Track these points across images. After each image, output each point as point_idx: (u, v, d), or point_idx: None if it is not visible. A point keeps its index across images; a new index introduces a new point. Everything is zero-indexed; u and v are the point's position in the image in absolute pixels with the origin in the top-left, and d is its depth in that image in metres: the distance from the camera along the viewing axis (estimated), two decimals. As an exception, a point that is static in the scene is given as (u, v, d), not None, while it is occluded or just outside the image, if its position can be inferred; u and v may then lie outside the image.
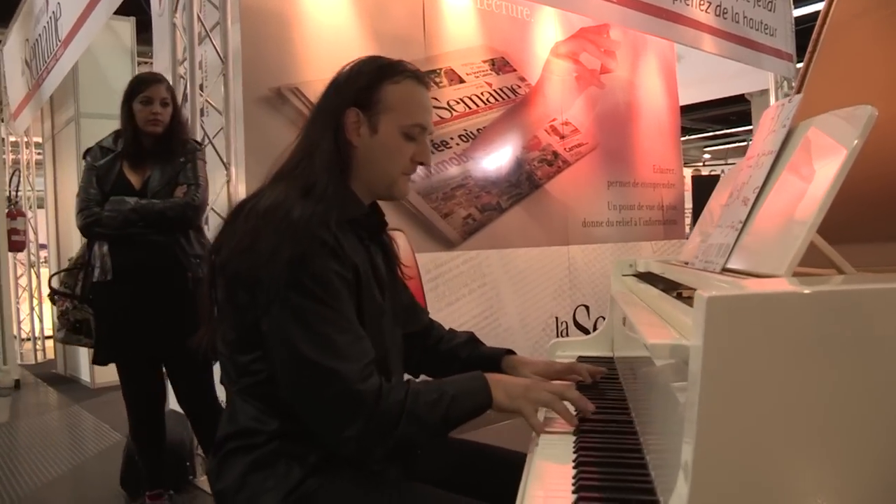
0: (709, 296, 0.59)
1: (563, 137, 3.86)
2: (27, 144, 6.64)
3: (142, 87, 2.50)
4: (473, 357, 1.48)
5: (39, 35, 5.01)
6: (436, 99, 3.33)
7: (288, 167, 1.26)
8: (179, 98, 2.88)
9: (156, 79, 2.53)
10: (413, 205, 3.25)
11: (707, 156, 16.04)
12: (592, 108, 4.03)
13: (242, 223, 1.15)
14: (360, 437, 1.09)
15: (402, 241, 3.19)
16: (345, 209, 1.21)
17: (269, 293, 1.10)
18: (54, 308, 2.67)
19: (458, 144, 3.41)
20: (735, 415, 0.59)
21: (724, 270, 1.03)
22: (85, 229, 2.52)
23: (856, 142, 0.82)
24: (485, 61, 3.57)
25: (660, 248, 4.42)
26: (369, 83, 1.25)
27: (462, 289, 3.45)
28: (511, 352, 1.48)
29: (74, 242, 4.92)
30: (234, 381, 1.20)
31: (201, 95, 2.93)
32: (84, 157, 2.58)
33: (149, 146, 2.51)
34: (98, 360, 2.58)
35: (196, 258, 2.49)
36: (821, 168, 0.91)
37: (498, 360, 1.46)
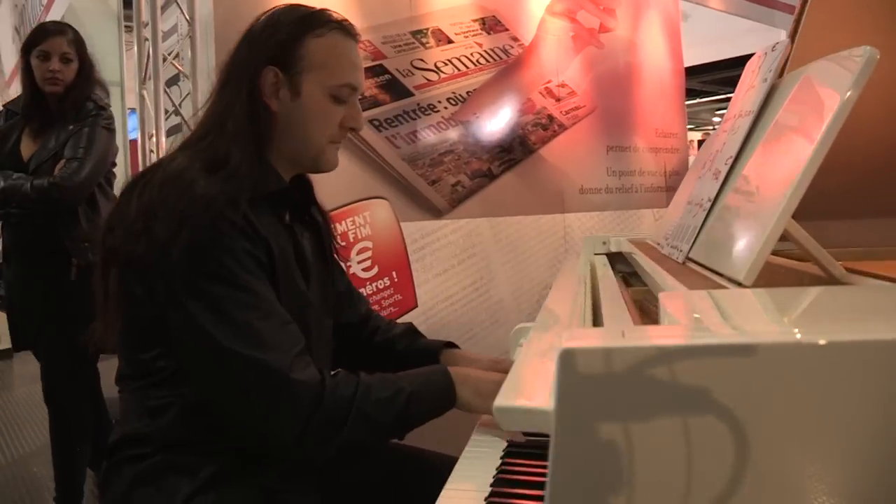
0: (562, 348, 0.48)
1: (558, 100, 3.70)
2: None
3: (39, 39, 2.18)
4: (410, 350, 1.35)
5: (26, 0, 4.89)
6: (422, 60, 3.18)
7: (195, 136, 1.11)
8: (142, 67, 2.70)
9: (57, 30, 2.22)
10: (398, 171, 3.11)
11: (718, 119, 15.75)
12: (590, 70, 3.85)
13: (136, 201, 1.01)
14: (300, 438, 0.95)
15: (385, 211, 3.08)
16: (259, 184, 1.06)
17: (169, 284, 0.96)
18: None
19: (445, 108, 3.26)
20: (588, 481, 0.48)
21: (688, 260, 0.89)
22: None
23: (849, 92, 0.66)
24: (475, 20, 3.40)
25: (662, 215, 4.26)
26: (289, 37, 1.11)
27: (451, 259, 3.32)
28: (452, 344, 1.34)
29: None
30: (130, 380, 1.06)
31: (166, 60, 2.78)
32: None
33: (54, 108, 2.22)
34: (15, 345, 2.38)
35: (86, 242, 2.21)
36: (805, 131, 0.76)
37: (436, 353, 1.32)
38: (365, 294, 3.02)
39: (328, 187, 2.94)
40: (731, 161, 0.86)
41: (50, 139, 2.22)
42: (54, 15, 3.86)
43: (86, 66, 2.30)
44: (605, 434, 0.47)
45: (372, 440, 0.99)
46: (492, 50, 3.44)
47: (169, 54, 2.79)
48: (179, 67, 2.77)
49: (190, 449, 1.02)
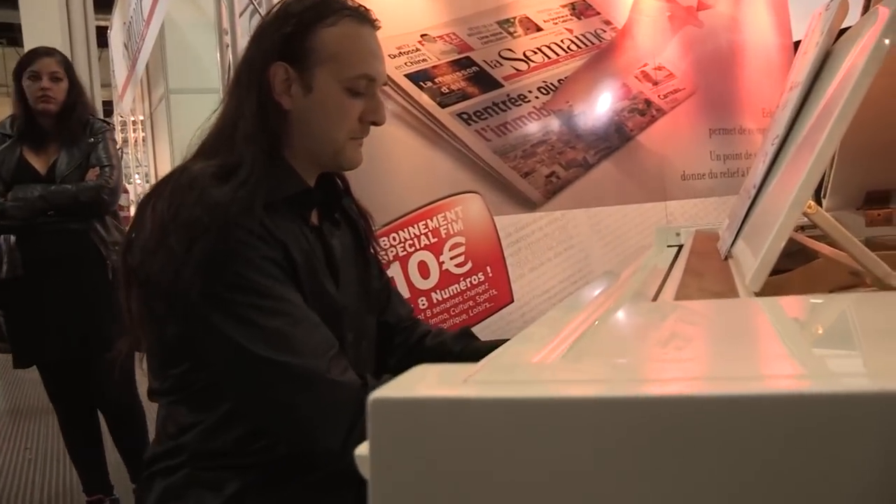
0: (372, 397, 0.42)
1: (656, 84, 3.54)
2: (133, 123, 6.85)
3: (29, 61, 2.29)
4: (467, 352, 1.26)
5: (132, 17, 5.10)
6: (510, 50, 3.11)
7: (208, 142, 1.07)
8: (224, 72, 2.75)
9: (45, 52, 2.33)
10: (489, 164, 3.05)
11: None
12: (689, 50, 3.67)
13: (150, 215, 0.98)
14: (346, 445, 0.90)
15: (477, 205, 3.03)
16: (276, 187, 1.01)
17: (188, 299, 0.92)
18: None
19: (536, 98, 3.17)
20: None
21: (729, 257, 0.80)
22: None
23: (887, 41, 0.55)
24: (564, 6, 3.30)
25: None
26: (297, 29, 1.04)
27: (547, 252, 3.24)
28: None
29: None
30: (161, 396, 1.05)
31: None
32: None
33: (48, 127, 2.32)
34: (18, 363, 2.38)
35: (115, 245, 2.28)
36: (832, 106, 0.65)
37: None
38: (458, 290, 2.98)
39: (418, 184, 2.92)
40: (777, 142, 0.75)
41: (62, 153, 2.31)
42: (154, 26, 4.01)
43: (75, 86, 2.39)
44: (420, 495, 0.40)
45: None
46: (583, 35, 3.33)
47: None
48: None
49: (216, 464, 1.00)
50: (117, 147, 2.45)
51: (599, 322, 0.57)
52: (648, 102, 3.51)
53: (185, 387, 1.00)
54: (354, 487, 0.94)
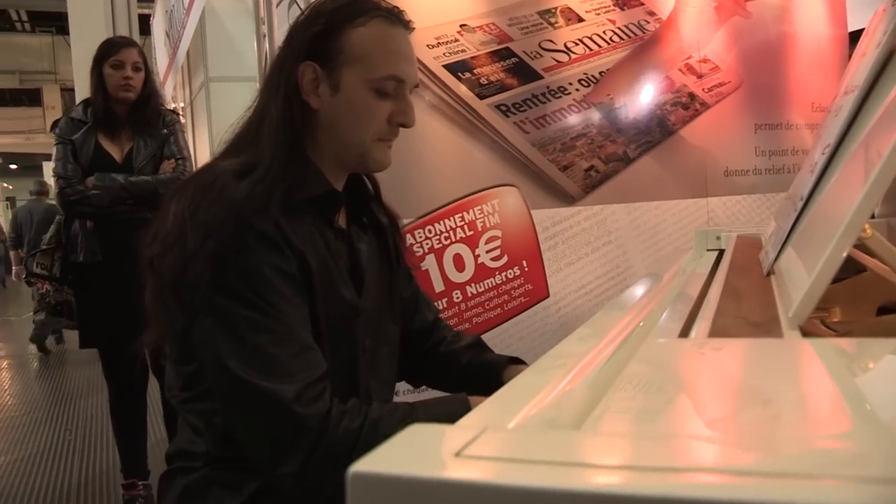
0: (353, 471, 0.40)
1: (700, 77, 3.46)
2: (174, 111, 6.91)
3: (112, 50, 2.38)
4: (474, 364, 1.25)
5: (173, 5, 5.14)
6: (551, 41, 3.05)
7: (236, 137, 1.07)
8: (261, 61, 2.77)
9: (128, 42, 2.42)
10: (527, 157, 3.01)
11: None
12: (736, 42, 3.58)
13: (174, 209, 0.98)
14: (301, 472, 0.90)
15: (514, 198, 2.98)
16: (298, 188, 1.00)
17: (192, 296, 0.92)
18: (34, 291, 2.59)
19: (577, 90, 3.11)
20: None
21: (771, 273, 0.74)
22: (68, 208, 2.37)
23: None
24: (607, -4, 3.23)
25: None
26: (326, 29, 1.02)
27: (584, 247, 3.18)
28: (517, 360, 1.23)
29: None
30: (176, 391, 1.04)
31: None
32: (52, 131, 2.44)
33: (122, 115, 2.40)
34: (85, 343, 2.48)
35: None
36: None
37: (500, 370, 1.22)
38: (494, 284, 2.94)
39: (455, 176, 2.89)
40: (828, 150, 0.69)
41: (138, 143, 2.39)
42: (194, 15, 4.02)
43: (150, 76, 2.50)
44: None
45: None
46: (626, 27, 3.25)
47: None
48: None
49: (234, 464, 0.99)
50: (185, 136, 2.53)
51: (616, 365, 0.52)
52: (692, 96, 3.43)
53: (195, 385, 1.00)
54: None
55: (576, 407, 0.47)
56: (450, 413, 0.95)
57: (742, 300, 0.66)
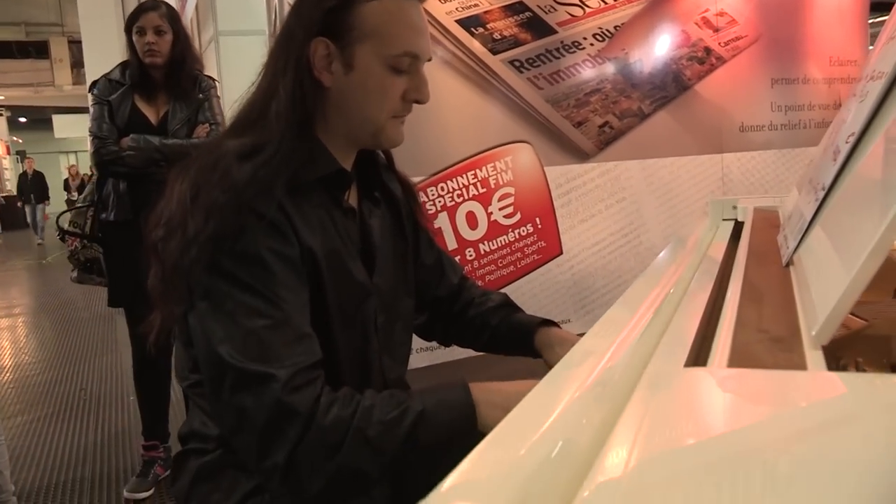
0: None
1: (717, 31, 3.40)
2: (211, 78, 6.83)
3: (136, 17, 2.38)
4: (504, 325, 1.23)
5: (181, -45, 5.06)
6: (566, -6, 2.99)
7: (241, 115, 1.03)
8: (271, 14, 2.74)
9: (150, 6, 2.40)
10: (541, 113, 2.98)
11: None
12: (754, -6, 3.50)
13: (177, 191, 0.96)
14: (288, 463, 0.86)
15: (528, 155, 2.96)
16: (306, 168, 0.98)
17: (188, 277, 0.91)
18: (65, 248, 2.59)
19: (591, 45, 3.07)
20: None
21: (791, 264, 0.72)
22: (102, 167, 2.40)
23: None
24: (623, -53, 3.16)
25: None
26: (339, 4, 0.99)
27: (598, 204, 3.17)
28: (549, 322, 1.21)
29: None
30: (183, 377, 1.04)
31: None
32: (91, 91, 2.46)
33: (158, 78, 2.42)
34: (113, 302, 2.50)
35: None
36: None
37: (532, 332, 1.19)
38: (507, 241, 2.94)
39: (468, 133, 2.87)
40: (853, 139, 0.65)
41: (175, 106, 2.40)
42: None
43: (181, 38, 2.46)
44: None
45: (375, 466, 0.88)
46: (643, -21, 3.19)
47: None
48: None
49: None
50: (220, 101, 2.53)
51: (616, 404, 0.47)
52: (708, 50, 3.38)
53: (198, 369, 0.98)
54: (388, 479, 0.92)
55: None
56: (447, 401, 0.93)
57: (762, 304, 0.64)
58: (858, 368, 0.56)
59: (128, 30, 2.41)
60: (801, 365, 0.49)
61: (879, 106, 0.61)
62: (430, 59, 1.05)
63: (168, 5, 2.49)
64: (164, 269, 0.96)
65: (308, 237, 0.97)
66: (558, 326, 1.21)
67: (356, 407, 0.89)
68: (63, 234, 2.54)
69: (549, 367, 1.14)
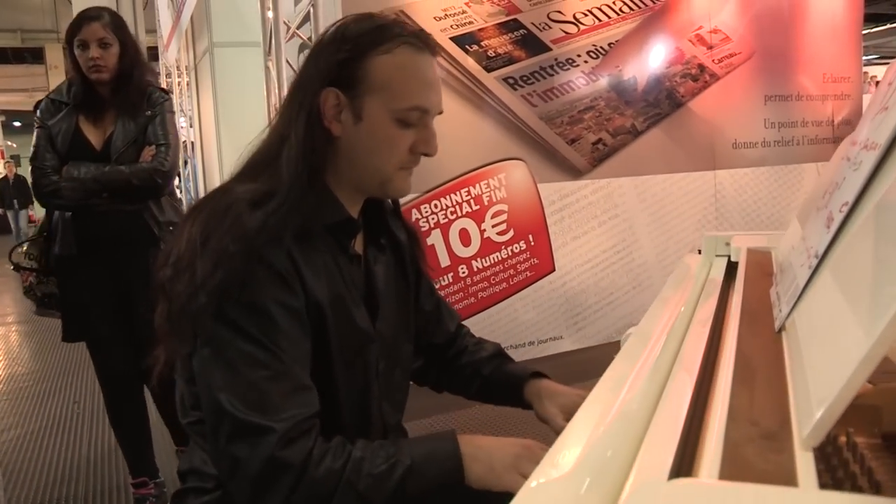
0: None
1: (710, 48, 3.41)
2: (178, 70, 6.84)
3: (75, 28, 2.14)
4: (496, 377, 1.23)
5: (177, -34, 5.06)
6: (560, 12, 3.00)
7: (254, 160, 1.03)
8: (265, 27, 2.69)
9: (91, 16, 2.17)
10: (534, 131, 2.98)
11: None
12: (747, 11, 3.52)
13: (187, 234, 0.95)
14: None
15: (521, 172, 2.96)
16: (314, 216, 0.98)
17: (195, 323, 0.91)
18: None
19: (585, 62, 3.08)
20: None
21: (783, 330, 0.71)
22: (43, 199, 2.20)
23: None
24: (617, -35, 3.17)
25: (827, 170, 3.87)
26: (351, 55, 0.99)
27: (591, 221, 3.18)
28: (540, 374, 1.22)
29: (213, 167, 5.01)
30: (184, 413, 1.03)
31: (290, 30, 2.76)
32: (34, 111, 2.25)
33: (105, 95, 2.19)
34: (67, 337, 2.34)
35: (170, 225, 2.19)
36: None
37: (522, 383, 1.19)
38: (499, 258, 2.94)
39: (461, 150, 2.87)
40: (846, 209, 0.63)
41: (120, 127, 2.18)
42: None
43: (129, 49, 2.23)
44: None
45: None
46: (636, -4, 3.20)
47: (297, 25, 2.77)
48: (303, 37, 2.74)
49: None
50: (175, 117, 2.33)
51: None
52: (702, 67, 3.39)
53: (199, 408, 0.98)
54: None
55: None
56: (435, 452, 0.94)
57: (754, 383, 0.63)
58: (849, 439, 0.56)
59: (69, 43, 2.16)
60: (791, 471, 0.48)
61: (872, 176, 0.60)
62: (440, 113, 1.05)
63: (112, 13, 2.26)
64: (170, 309, 0.96)
65: (314, 286, 0.97)
66: (548, 378, 1.21)
67: (347, 458, 0.90)
68: (17, 268, 2.36)
69: (539, 418, 1.14)
